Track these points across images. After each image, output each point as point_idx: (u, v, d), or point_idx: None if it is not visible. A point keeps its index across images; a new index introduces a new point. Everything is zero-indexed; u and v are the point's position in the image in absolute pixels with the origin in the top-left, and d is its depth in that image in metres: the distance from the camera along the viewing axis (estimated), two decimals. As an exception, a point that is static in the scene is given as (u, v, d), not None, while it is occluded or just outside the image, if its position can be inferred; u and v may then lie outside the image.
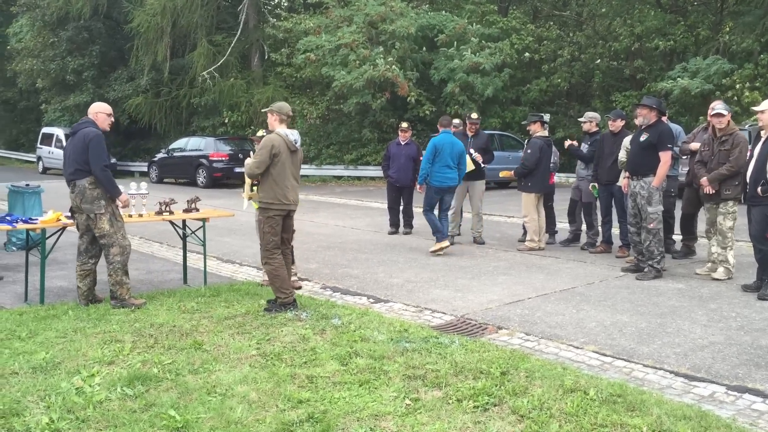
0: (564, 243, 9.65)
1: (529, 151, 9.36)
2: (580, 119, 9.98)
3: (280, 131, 6.06)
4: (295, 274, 7.18)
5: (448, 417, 3.75)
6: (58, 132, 26.94)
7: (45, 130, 28.31)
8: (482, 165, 9.90)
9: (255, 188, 6.61)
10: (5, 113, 37.52)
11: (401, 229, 10.91)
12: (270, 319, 5.68)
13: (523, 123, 10.22)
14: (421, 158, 10.41)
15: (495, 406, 3.89)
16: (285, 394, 4.03)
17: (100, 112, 6.26)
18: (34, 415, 3.74)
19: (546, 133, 9.56)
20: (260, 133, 7.19)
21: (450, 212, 9.82)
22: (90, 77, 27.43)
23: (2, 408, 3.78)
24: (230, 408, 3.85)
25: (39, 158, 28.07)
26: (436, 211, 9.22)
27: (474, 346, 4.93)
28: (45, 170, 27.33)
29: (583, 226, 9.53)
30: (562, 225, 10.23)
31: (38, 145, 28.14)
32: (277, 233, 6.07)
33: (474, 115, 10.27)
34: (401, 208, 10.95)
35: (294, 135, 6.11)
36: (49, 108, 30.41)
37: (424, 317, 6.04)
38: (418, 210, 10.69)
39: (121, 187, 6.26)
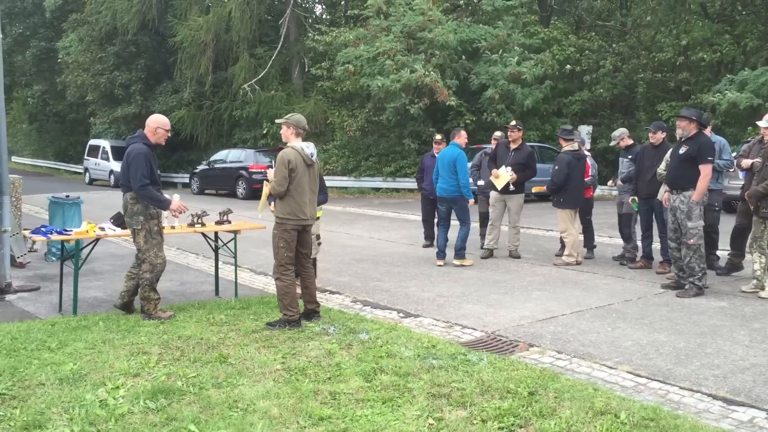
0: (617, 258, 9.40)
1: (557, 167, 9.23)
2: (611, 144, 9.77)
3: (295, 145, 5.94)
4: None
5: (471, 438, 3.64)
6: (105, 144, 27.61)
7: (92, 142, 29.03)
8: (510, 186, 9.57)
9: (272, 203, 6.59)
10: (55, 125, 38.63)
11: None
12: (297, 333, 5.64)
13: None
14: None
15: (520, 427, 3.77)
16: (306, 411, 3.97)
17: (159, 127, 6.19)
18: (57, 427, 3.75)
19: (576, 146, 9.31)
20: (513, 122, 7.06)
21: (488, 225, 9.86)
22: (137, 90, 28.07)
23: (26, 420, 3.81)
24: (250, 424, 3.80)
25: (86, 170, 28.75)
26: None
27: (503, 365, 4.81)
28: (92, 181, 27.99)
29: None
30: (601, 239, 10.01)
31: (85, 157, 28.86)
32: (292, 249, 5.95)
33: (513, 122, 9.97)
34: (436, 221, 10.83)
35: (310, 148, 6.01)
36: (96, 120, 31.19)
37: (453, 333, 5.93)
38: (454, 222, 10.63)
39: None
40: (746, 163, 7.70)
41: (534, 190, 11.07)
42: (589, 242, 9.73)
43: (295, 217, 5.88)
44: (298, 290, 6.08)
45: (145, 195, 6.01)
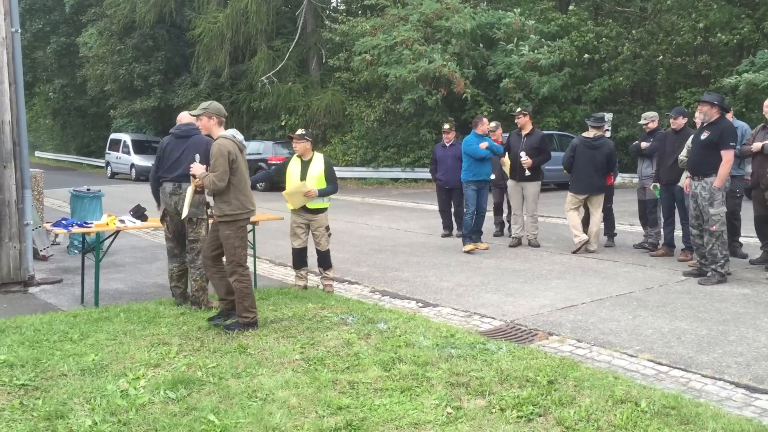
0: (638, 246, 9.31)
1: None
2: (640, 122, 9.63)
3: (226, 134, 5.51)
4: (333, 278, 7.21)
5: (490, 427, 3.63)
6: (126, 138, 27.86)
7: (113, 136, 29.27)
8: (526, 170, 9.50)
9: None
10: (77, 120, 39.04)
11: (455, 231, 10.76)
12: (316, 323, 5.65)
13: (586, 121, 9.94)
14: None
15: (540, 416, 3.75)
16: (325, 400, 3.98)
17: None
18: (78, 418, 3.79)
19: (591, 134, 9.22)
20: (300, 131, 6.99)
21: (512, 215, 9.98)
22: (156, 82, 28.26)
23: (48, 410, 3.86)
24: (269, 413, 3.82)
25: (107, 163, 29.02)
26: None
27: (522, 353, 4.78)
28: (113, 175, 28.24)
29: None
30: (622, 227, 9.92)
31: (107, 151, 29.11)
32: (246, 246, 5.62)
33: (518, 109, 9.89)
34: (453, 210, 10.81)
35: (239, 134, 5.61)
36: (116, 114, 31.46)
37: (472, 322, 5.91)
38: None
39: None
40: (756, 146, 7.51)
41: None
42: (609, 230, 9.64)
43: (246, 210, 5.52)
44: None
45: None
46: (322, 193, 6.89)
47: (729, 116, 7.57)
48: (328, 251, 7.10)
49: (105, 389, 4.17)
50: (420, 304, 6.56)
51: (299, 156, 7.00)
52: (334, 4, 29.24)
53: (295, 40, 24.58)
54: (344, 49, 23.09)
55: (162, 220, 6.30)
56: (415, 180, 22.11)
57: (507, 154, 9.75)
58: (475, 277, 7.69)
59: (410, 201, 16.99)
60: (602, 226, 9.42)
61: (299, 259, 7.15)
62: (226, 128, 5.65)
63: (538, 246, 9.57)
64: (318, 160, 6.99)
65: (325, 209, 7.07)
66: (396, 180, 22.58)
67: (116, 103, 31.16)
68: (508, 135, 10.21)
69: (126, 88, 29.53)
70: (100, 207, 9.50)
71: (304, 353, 4.86)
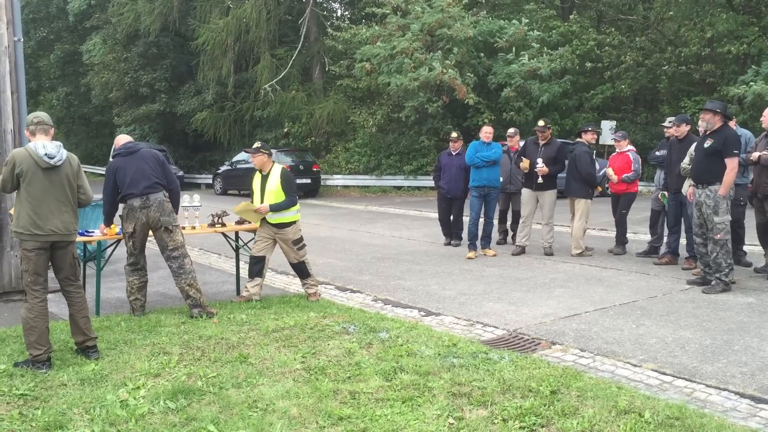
0: (641, 254, 9.27)
1: None
2: (663, 124, 9.49)
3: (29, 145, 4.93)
4: (316, 285, 7.06)
5: (492, 438, 3.59)
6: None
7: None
8: (540, 178, 9.48)
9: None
10: (81, 128, 39.12)
11: (454, 240, 10.74)
12: (317, 332, 5.62)
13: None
14: None
15: (542, 427, 3.72)
16: (326, 411, 3.95)
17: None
18: (78, 428, 3.77)
19: (580, 139, 9.76)
20: (256, 144, 6.89)
21: (520, 222, 9.98)
22: (162, 89, 28.33)
23: (48, 420, 3.84)
24: (270, 424, 3.79)
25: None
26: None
27: (524, 363, 4.75)
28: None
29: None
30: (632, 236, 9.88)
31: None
32: (35, 271, 4.89)
33: (541, 123, 9.91)
34: (452, 219, 10.80)
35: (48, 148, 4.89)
36: (120, 121, 31.52)
37: (475, 331, 5.87)
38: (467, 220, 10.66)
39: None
40: (754, 156, 7.49)
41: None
42: (620, 237, 9.59)
43: (29, 232, 4.83)
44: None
45: (179, 192, 6.36)
46: (274, 208, 6.70)
47: (732, 124, 7.55)
48: (302, 262, 6.90)
49: (104, 399, 4.15)
50: (422, 313, 6.53)
51: (259, 170, 6.91)
52: (337, 13, 29.31)
53: (298, 49, 24.62)
54: (346, 56, 23.12)
55: (131, 236, 6.25)
56: (418, 188, 22.10)
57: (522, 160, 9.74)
58: (477, 286, 7.66)
59: (413, 209, 16.96)
60: (582, 230, 9.51)
61: (252, 268, 6.94)
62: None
63: (552, 255, 9.50)
64: (275, 173, 6.83)
65: (292, 223, 6.84)
66: (399, 188, 22.56)
67: (121, 111, 31.24)
68: (524, 142, 10.18)
69: (131, 96, 29.59)
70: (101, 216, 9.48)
71: (305, 363, 4.83)
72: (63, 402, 4.12)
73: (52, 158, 4.87)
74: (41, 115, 5.05)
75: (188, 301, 6.26)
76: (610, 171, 9.57)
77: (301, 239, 6.92)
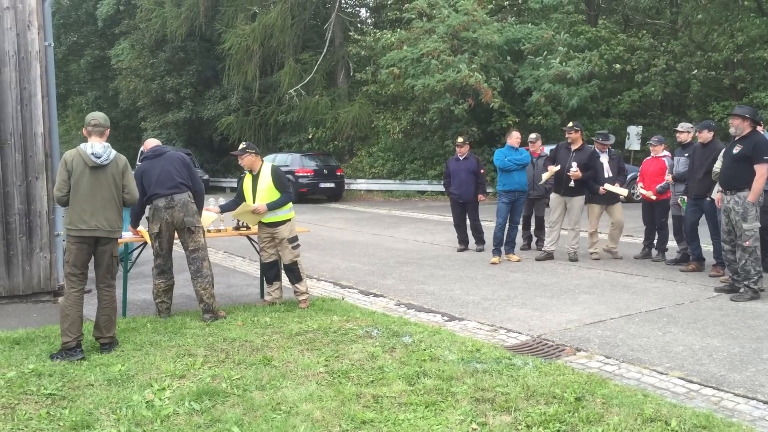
0: (670, 263, 9.15)
1: None
2: (676, 129, 9.41)
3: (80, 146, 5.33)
4: (305, 292, 6.89)
5: (516, 444, 3.57)
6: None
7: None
8: (572, 182, 9.39)
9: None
10: (109, 131, 39.52)
11: (471, 245, 10.69)
12: (341, 335, 5.64)
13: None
14: (482, 172, 10.62)
15: (567, 434, 3.68)
16: (349, 414, 3.95)
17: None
18: (104, 428, 3.82)
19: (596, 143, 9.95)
20: (241, 145, 6.88)
21: (546, 228, 10.00)
22: (188, 95, 28.63)
23: (75, 420, 3.89)
24: (293, 426, 3.80)
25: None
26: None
27: (548, 369, 4.72)
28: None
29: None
30: (631, 240, 9.74)
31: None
32: (73, 263, 5.23)
33: (570, 124, 9.83)
34: (468, 224, 10.76)
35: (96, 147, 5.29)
36: (147, 125, 31.92)
37: (498, 337, 5.84)
38: (487, 224, 10.64)
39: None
40: None
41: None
42: (661, 245, 9.45)
43: (75, 227, 5.19)
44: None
45: (203, 195, 6.50)
46: (272, 207, 6.67)
47: (760, 129, 7.43)
48: (294, 263, 6.81)
49: (130, 399, 4.20)
50: (445, 318, 6.51)
51: (249, 171, 6.92)
52: (362, 18, 29.41)
53: (323, 54, 24.75)
54: (371, 62, 23.18)
55: (157, 237, 6.32)
56: (442, 193, 21.99)
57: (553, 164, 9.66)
58: (501, 291, 7.63)
59: (436, 214, 16.94)
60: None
61: (267, 273, 7.01)
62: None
63: (577, 260, 9.42)
64: (265, 172, 6.82)
65: (286, 221, 6.80)
66: (422, 192, 22.54)
67: (147, 115, 31.61)
68: (555, 147, 10.10)
69: (157, 102, 29.95)
70: (127, 218, 9.60)
71: (328, 366, 4.84)
72: (90, 402, 4.17)
73: (98, 158, 5.24)
74: (98, 116, 5.48)
75: (201, 305, 6.32)
76: (647, 193, 9.36)
77: (296, 238, 6.90)
